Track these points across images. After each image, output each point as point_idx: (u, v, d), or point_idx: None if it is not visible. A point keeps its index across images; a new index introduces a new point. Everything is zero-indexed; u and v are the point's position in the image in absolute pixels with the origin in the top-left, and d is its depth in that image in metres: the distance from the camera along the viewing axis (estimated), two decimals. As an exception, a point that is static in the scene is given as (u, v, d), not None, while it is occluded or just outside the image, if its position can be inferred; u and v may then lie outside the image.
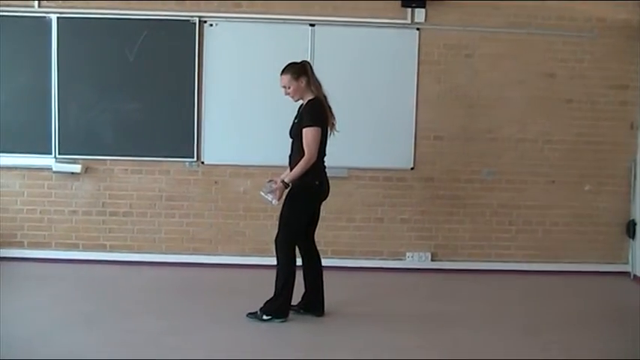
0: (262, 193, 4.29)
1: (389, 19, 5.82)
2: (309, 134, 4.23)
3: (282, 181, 4.22)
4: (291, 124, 4.42)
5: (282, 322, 4.36)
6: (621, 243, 6.09)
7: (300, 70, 4.35)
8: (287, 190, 4.26)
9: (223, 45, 5.80)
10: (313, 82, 4.36)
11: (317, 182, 4.35)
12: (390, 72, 5.84)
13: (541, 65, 5.94)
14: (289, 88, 4.35)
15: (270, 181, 4.31)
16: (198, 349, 3.86)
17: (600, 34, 5.93)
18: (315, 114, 4.28)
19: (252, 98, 5.77)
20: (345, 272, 5.70)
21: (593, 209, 6.07)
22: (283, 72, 4.38)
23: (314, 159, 4.24)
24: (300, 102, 4.42)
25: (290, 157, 4.39)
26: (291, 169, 4.34)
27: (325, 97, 4.38)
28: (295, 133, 4.34)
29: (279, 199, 4.22)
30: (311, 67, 4.40)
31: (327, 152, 4.41)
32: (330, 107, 4.38)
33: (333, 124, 4.40)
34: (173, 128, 5.83)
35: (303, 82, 4.33)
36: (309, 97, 4.35)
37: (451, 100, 5.92)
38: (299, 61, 4.41)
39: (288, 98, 4.42)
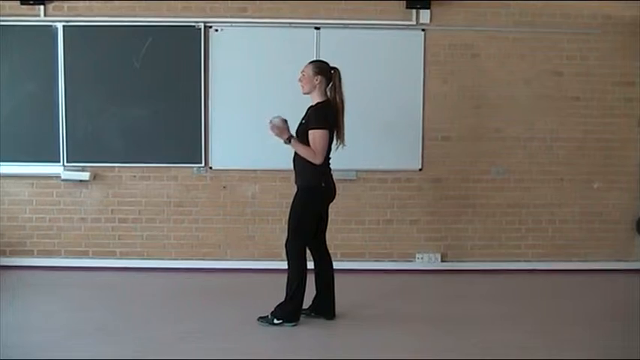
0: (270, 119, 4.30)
1: (394, 21, 5.82)
2: (316, 136, 4.22)
3: (290, 135, 4.25)
4: (297, 124, 4.40)
5: (294, 326, 4.35)
6: (631, 240, 6.07)
7: (323, 70, 4.34)
8: (294, 196, 4.29)
9: (229, 50, 5.80)
10: (333, 89, 4.34)
11: (323, 184, 4.35)
12: (396, 73, 5.84)
13: (547, 63, 5.93)
14: (304, 75, 4.34)
15: (285, 120, 4.29)
16: (210, 355, 3.85)
17: (606, 31, 5.93)
18: (323, 116, 4.27)
19: (259, 102, 5.76)
20: (356, 275, 5.69)
21: (602, 207, 6.05)
22: (311, 62, 4.42)
23: (320, 161, 4.24)
24: (309, 102, 4.39)
25: (294, 159, 4.38)
26: (295, 172, 4.36)
27: (341, 108, 4.35)
28: (301, 134, 4.32)
29: (271, 130, 4.23)
30: (339, 77, 4.36)
31: (333, 155, 4.40)
32: (343, 120, 4.37)
33: (341, 138, 4.39)
34: (181, 134, 5.84)
35: (318, 79, 4.31)
36: (320, 99, 4.34)
37: (458, 101, 5.92)
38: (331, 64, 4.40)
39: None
